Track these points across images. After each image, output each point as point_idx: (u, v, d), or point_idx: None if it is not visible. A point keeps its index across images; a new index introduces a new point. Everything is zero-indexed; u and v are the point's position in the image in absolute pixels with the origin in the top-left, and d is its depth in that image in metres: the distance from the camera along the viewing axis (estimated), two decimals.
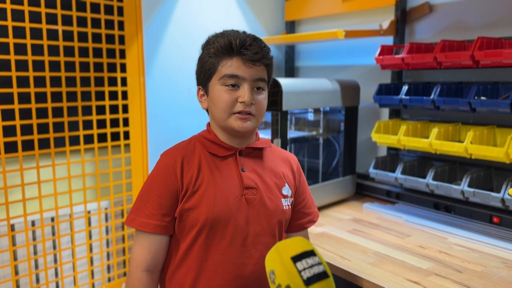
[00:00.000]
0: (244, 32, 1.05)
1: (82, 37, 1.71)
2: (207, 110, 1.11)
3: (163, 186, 1.02)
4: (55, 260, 1.79)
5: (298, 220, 1.18)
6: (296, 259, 0.76)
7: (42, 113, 1.64)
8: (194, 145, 1.08)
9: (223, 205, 1.01)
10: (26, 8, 1.54)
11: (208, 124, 1.12)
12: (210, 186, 1.02)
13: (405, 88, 1.71)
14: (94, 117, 1.76)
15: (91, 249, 1.87)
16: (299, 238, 0.81)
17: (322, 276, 0.74)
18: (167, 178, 1.02)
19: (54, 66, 1.66)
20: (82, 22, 1.70)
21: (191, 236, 1.01)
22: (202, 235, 1.01)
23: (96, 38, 1.75)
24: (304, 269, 0.74)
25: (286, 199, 1.11)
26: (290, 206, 1.13)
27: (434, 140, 1.54)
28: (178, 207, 1.02)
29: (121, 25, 1.80)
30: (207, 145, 1.07)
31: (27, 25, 1.55)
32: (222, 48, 1.01)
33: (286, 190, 1.12)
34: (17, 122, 1.57)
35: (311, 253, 0.77)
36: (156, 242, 1.03)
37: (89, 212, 1.84)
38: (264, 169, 1.10)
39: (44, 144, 1.67)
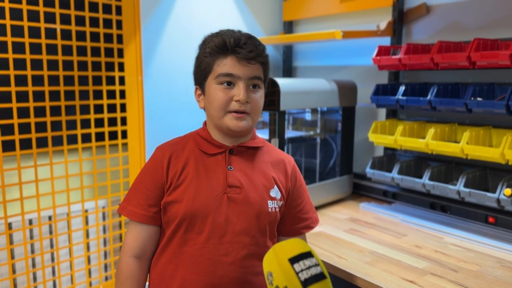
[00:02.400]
0: (239, 31, 1.06)
1: (80, 36, 1.71)
2: (204, 110, 1.12)
3: (151, 178, 1.06)
4: (52, 259, 1.79)
5: (293, 225, 1.16)
6: (293, 260, 0.76)
7: (40, 112, 1.64)
8: (186, 142, 1.11)
9: (202, 201, 1.03)
10: (24, 6, 1.54)
11: (205, 123, 1.13)
12: (193, 182, 1.04)
13: (402, 88, 1.72)
14: (92, 116, 1.77)
15: (88, 248, 1.88)
16: (296, 240, 0.82)
17: (319, 277, 0.74)
18: (155, 170, 1.07)
19: (52, 65, 1.66)
20: (80, 21, 1.70)
21: (172, 228, 1.04)
22: (181, 228, 1.04)
23: (94, 37, 1.75)
24: (302, 270, 0.74)
25: (273, 201, 1.09)
26: (277, 209, 1.10)
27: (430, 141, 1.55)
28: (163, 199, 1.06)
29: (119, 24, 1.80)
30: (199, 142, 1.09)
31: (25, 23, 1.55)
32: (216, 47, 1.03)
33: (275, 193, 1.10)
34: (15, 121, 1.57)
35: (308, 255, 0.77)
36: (144, 231, 1.07)
37: (86, 211, 1.84)
38: (254, 169, 1.10)
39: (41, 142, 1.67)
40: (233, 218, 1.04)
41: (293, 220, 1.16)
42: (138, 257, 1.07)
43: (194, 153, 1.08)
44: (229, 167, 1.07)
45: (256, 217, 1.06)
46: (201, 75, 1.07)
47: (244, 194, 1.05)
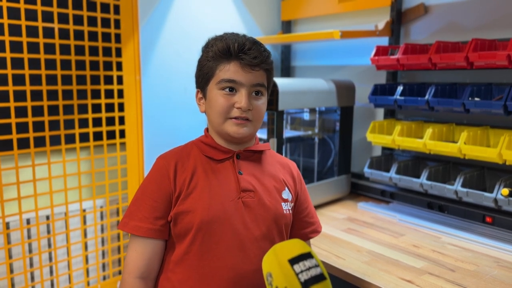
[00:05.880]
0: (244, 36, 1.03)
1: (78, 35, 1.71)
2: (205, 114, 1.09)
3: (157, 189, 1.00)
4: (50, 258, 1.79)
5: (302, 230, 1.15)
6: (293, 261, 0.76)
7: (37, 111, 1.64)
8: (190, 149, 1.06)
9: (218, 208, 0.98)
10: (22, 6, 1.53)
11: (206, 129, 1.11)
12: (205, 189, 1.00)
13: (400, 88, 1.72)
14: (90, 115, 1.76)
15: (86, 248, 1.87)
16: (296, 240, 0.81)
17: (319, 278, 0.74)
18: (161, 180, 1.00)
19: (50, 64, 1.65)
20: (78, 20, 1.69)
21: (187, 241, 0.99)
22: (197, 239, 0.98)
23: (92, 36, 1.74)
24: (302, 271, 0.74)
25: (286, 203, 1.08)
26: (290, 210, 1.09)
27: (428, 140, 1.56)
28: (172, 210, 0.99)
29: (117, 24, 1.79)
30: (203, 149, 1.05)
31: (23, 23, 1.54)
32: (220, 52, 0.99)
33: (286, 194, 1.09)
34: (13, 120, 1.56)
35: (308, 255, 0.77)
36: (150, 247, 1.00)
37: (84, 210, 1.83)
38: (263, 173, 1.08)
39: (39, 142, 1.66)
40: (251, 224, 1.01)
41: (301, 225, 1.15)
42: (143, 278, 0.99)
43: (201, 159, 1.04)
44: (239, 171, 1.04)
45: (274, 220, 1.04)
46: (202, 79, 1.04)
47: (258, 198, 1.03)
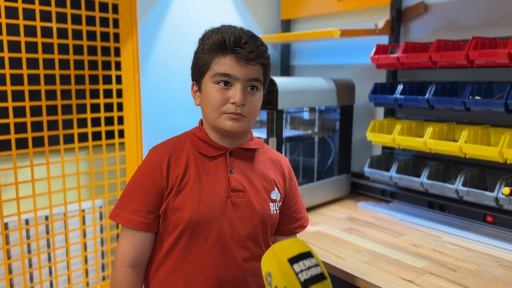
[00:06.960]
0: (241, 29, 1.01)
1: (77, 34, 1.70)
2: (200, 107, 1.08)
3: (149, 183, 1.00)
4: (49, 259, 1.78)
5: (288, 225, 1.16)
6: (293, 260, 0.75)
7: (36, 111, 1.63)
8: (184, 143, 1.06)
9: (207, 207, 0.99)
10: (20, 5, 1.53)
11: (201, 122, 1.10)
12: (195, 187, 1.00)
13: (400, 87, 1.71)
14: (89, 115, 1.75)
15: (85, 248, 1.87)
16: (295, 239, 0.81)
17: (319, 278, 0.74)
18: (153, 175, 1.00)
19: (48, 64, 1.65)
20: (76, 19, 1.69)
21: (174, 236, 1.00)
22: (184, 236, 1.00)
23: (91, 36, 1.74)
24: (301, 271, 0.74)
25: (274, 203, 1.08)
26: (277, 211, 1.10)
27: (428, 139, 1.55)
28: (162, 206, 1.00)
29: (116, 23, 1.79)
30: (197, 144, 1.05)
31: (21, 22, 1.54)
32: (215, 44, 0.98)
33: (275, 195, 1.09)
34: (11, 120, 1.56)
35: (308, 255, 0.76)
36: (141, 239, 1.01)
37: (83, 210, 1.83)
38: (254, 172, 1.08)
39: (38, 142, 1.66)
40: (237, 223, 1.02)
41: (288, 220, 1.16)
42: (134, 266, 1.02)
43: (194, 154, 1.04)
44: (230, 170, 1.04)
45: (260, 221, 1.05)
46: (198, 71, 1.03)
47: (247, 198, 1.03)
